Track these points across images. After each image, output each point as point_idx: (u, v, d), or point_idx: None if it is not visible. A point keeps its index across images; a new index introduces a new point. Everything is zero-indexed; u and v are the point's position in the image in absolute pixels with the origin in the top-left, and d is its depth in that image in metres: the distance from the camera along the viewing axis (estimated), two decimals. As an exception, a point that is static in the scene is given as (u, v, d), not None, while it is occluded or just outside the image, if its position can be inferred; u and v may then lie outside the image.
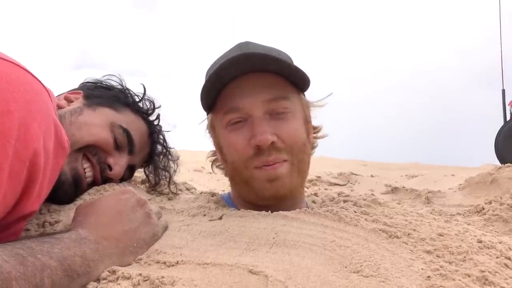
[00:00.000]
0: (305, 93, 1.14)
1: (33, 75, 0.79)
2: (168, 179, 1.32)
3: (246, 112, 1.01)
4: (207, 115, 1.15)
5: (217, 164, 1.22)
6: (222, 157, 1.12)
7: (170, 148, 1.35)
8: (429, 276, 0.70)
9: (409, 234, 0.86)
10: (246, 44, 1.08)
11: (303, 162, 1.05)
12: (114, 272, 0.72)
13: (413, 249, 0.81)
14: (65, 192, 1.01)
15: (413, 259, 0.77)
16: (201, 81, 1.08)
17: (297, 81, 1.06)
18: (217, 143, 1.13)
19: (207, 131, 1.17)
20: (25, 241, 0.67)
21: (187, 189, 1.43)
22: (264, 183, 1.01)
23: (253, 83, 1.01)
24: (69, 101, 1.14)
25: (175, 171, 1.34)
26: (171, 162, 1.34)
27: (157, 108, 1.31)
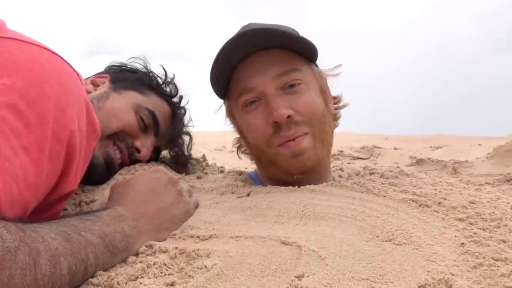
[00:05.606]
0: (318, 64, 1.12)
1: (62, 59, 0.80)
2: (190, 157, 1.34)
3: (259, 91, 1.01)
4: (223, 102, 1.16)
5: (243, 149, 1.23)
6: (245, 141, 1.13)
7: (188, 127, 1.36)
8: (463, 243, 0.70)
9: (439, 203, 0.85)
10: (249, 25, 1.07)
11: (325, 132, 1.05)
12: (151, 246, 0.75)
13: (444, 217, 0.80)
14: (99, 174, 1.05)
15: (445, 227, 0.76)
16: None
17: (305, 51, 1.05)
18: (238, 128, 1.14)
19: (227, 119, 1.18)
20: (68, 219, 0.70)
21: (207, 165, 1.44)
22: (289, 159, 1.01)
23: (261, 61, 1.02)
24: (95, 85, 1.16)
25: (189, 146, 1.35)
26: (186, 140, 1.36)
27: (181, 97, 1.32)
